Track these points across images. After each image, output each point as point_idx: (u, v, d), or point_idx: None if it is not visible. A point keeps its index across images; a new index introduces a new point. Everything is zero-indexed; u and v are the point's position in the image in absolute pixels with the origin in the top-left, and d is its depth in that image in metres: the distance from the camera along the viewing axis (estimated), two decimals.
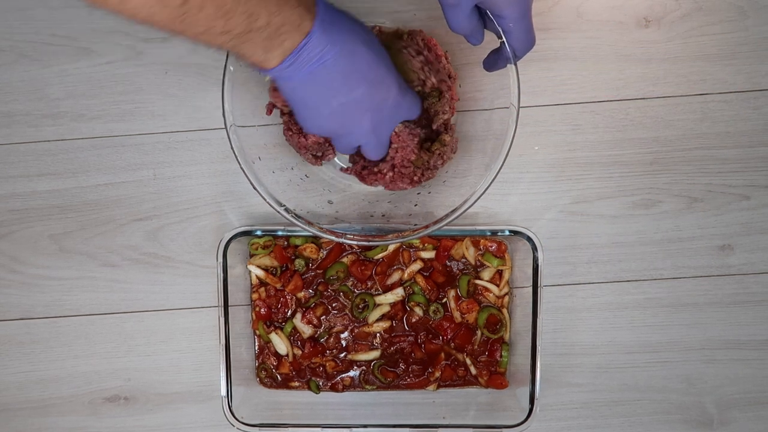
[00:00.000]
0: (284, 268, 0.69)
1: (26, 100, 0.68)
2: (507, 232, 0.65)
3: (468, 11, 0.50)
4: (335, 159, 0.65)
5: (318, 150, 0.63)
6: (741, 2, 0.67)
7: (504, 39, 0.53)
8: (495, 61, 0.57)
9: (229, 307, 0.65)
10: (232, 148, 0.58)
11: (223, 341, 0.65)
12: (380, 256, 0.68)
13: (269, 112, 0.62)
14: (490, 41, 0.56)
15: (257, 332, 0.69)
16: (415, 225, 0.60)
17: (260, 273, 0.68)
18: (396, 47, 0.60)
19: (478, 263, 0.69)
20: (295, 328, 0.69)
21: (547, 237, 0.68)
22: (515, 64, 0.55)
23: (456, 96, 0.62)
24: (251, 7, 0.42)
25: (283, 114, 0.63)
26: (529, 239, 0.65)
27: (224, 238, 0.65)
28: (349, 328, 0.69)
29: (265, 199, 0.58)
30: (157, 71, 0.68)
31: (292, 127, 0.62)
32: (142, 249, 0.70)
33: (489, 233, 0.66)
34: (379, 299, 0.68)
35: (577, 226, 0.69)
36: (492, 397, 0.69)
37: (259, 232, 0.66)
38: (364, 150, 0.57)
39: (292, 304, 0.69)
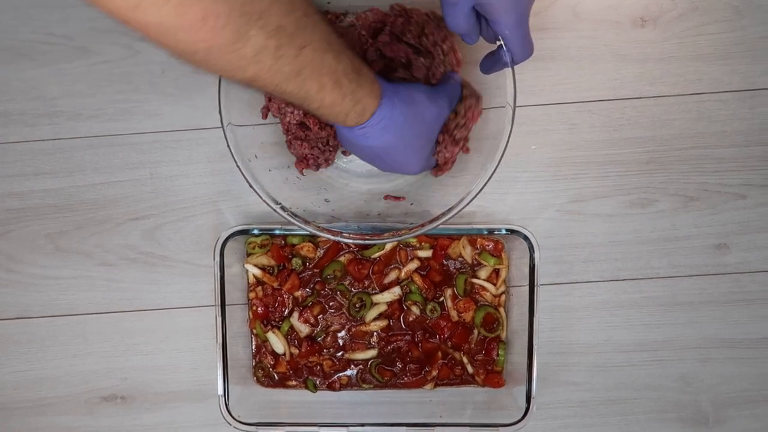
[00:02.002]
0: (281, 267, 0.69)
1: (23, 99, 0.68)
2: (504, 231, 0.66)
3: (466, 11, 0.50)
4: (336, 160, 0.66)
5: (319, 160, 0.63)
6: (737, 2, 0.67)
7: (501, 44, 0.54)
8: (492, 64, 0.57)
9: (226, 306, 0.65)
10: (228, 146, 0.58)
11: (220, 340, 0.65)
12: (377, 255, 0.68)
13: (264, 116, 0.63)
14: (486, 45, 0.56)
15: (254, 331, 0.69)
16: (411, 224, 0.60)
17: (257, 272, 0.68)
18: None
19: (475, 262, 0.69)
20: (292, 327, 0.69)
21: (544, 236, 0.69)
22: (512, 68, 0.55)
23: (458, 53, 0.61)
24: (305, 97, 0.46)
25: (286, 132, 0.63)
26: (526, 238, 0.65)
27: (221, 237, 0.65)
28: (346, 327, 0.69)
29: (261, 197, 0.58)
30: (154, 70, 0.68)
31: (294, 141, 0.63)
32: (139, 248, 0.69)
33: (486, 232, 0.66)
34: (376, 298, 0.68)
35: (573, 225, 0.69)
36: (489, 395, 0.69)
37: (256, 231, 0.66)
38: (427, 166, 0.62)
39: (289, 303, 0.69)
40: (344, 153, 0.66)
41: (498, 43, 0.54)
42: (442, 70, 0.60)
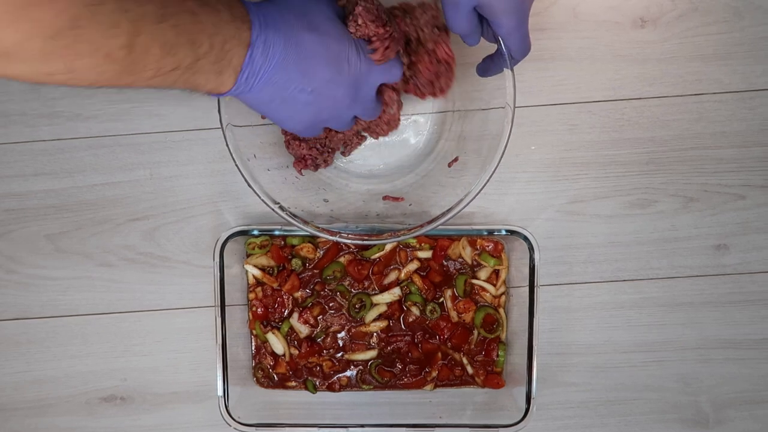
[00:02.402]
0: (281, 268, 0.69)
1: (22, 99, 0.68)
2: (504, 232, 0.66)
3: (467, 12, 0.50)
4: (335, 161, 0.66)
5: (317, 161, 0.63)
6: (736, 3, 0.67)
7: (501, 46, 0.54)
8: (488, 67, 0.57)
9: (226, 307, 0.65)
10: (227, 146, 0.58)
11: (219, 341, 0.65)
12: (377, 255, 0.68)
13: (263, 116, 0.62)
14: (485, 46, 0.56)
15: (254, 332, 0.69)
16: (411, 224, 0.60)
17: (257, 273, 0.68)
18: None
19: (475, 263, 0.69)
20: (292, 327, 0.69)
21: (544, 237, 0.68)
22: (512, 69, 0.55)
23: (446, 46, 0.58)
24: (192, 35, 0.42)
25: (285, 133, 0.63)
26: (526, 239, 0.65)
27: (221, 238, 0.65)
28: (346, 327, 0.69)
29: (260, 197, 0.58)
30: None
31: (293, 141, 0.63)
32: (138, 249, 0.69)
33: (486, 233, 0.66)
34: (376, 299, 0.68)
35: (573, 226, 0.69)
36: (489, 396, 0.69)
37: (255, 232, 0.66)
38: (360, 117, 0.57)
39: (288, 304, 0.69)
40: (343, 153, 0.66)
41: (497, 47, 0.54)
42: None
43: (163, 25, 0.39)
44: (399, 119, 0.61)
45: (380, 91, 0.57)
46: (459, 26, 0.52)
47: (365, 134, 0.64)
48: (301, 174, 0.64)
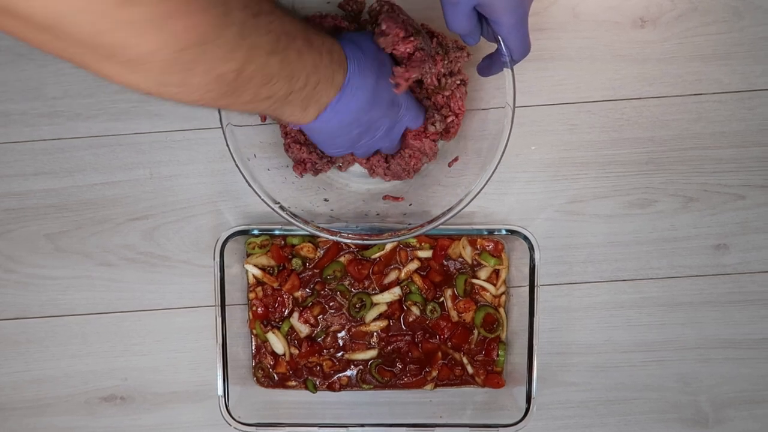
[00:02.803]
0: (281, 268, 0.69)
1: (23, 99, 0.68)
2: (504, 232, 0.66)
3: (467, 11, 0.50)
4: (333, 168, 0.66)
5: (317, 165, 0.63)
6: (736, 3, 0.67)
7: (500, 44, 0.54)
8: (489, 66, 0.57)
9: (226, 307, 0.65)
10: (227, 146, 0.58)
11: (219, 341, 0.65)
12: (377, 255, 0.68)
13: (263, 118, 0.63)
14: (486, 46, 0.56)
15: (254, 331, 0.69)
16: (410, 224, 0.60)
17: (257, 272, 0.68)
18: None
19: (475, 262, 0.69)
20: (292, 327, 0.69)
21: (544, 236, 0.69)
22: (512, 68, 0.55)
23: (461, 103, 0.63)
24: (293, 71, 0.45)
25: (285, 136, 0.63)
26: (526, 239, 0.65)
27: (221, 238, 0.65)
28: (346, 327, 0.69)
29: (260, 197, 0.58)
30: None
31: (293, 145, 0.63)
32: (138, 248, 0.69)
33: (486, 233, 0.66)
34: (376, 298, 0.68)
35: (573, 226, 0.69)
36: (489, 396, 0.69)
37: (256, 232, 0.66)
38: (381, 151, 0.62)
39: (289, 304, 0.69)
40: (340, 168, 0.66)
41: (497, 45, 0.54)
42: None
43: (273, 58, 0.42)
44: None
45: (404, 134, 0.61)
46: (459, 26, 0.52)
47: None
48: (301, 176, 0.64)
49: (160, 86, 0.38)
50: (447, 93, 0.62)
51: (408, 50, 0.56)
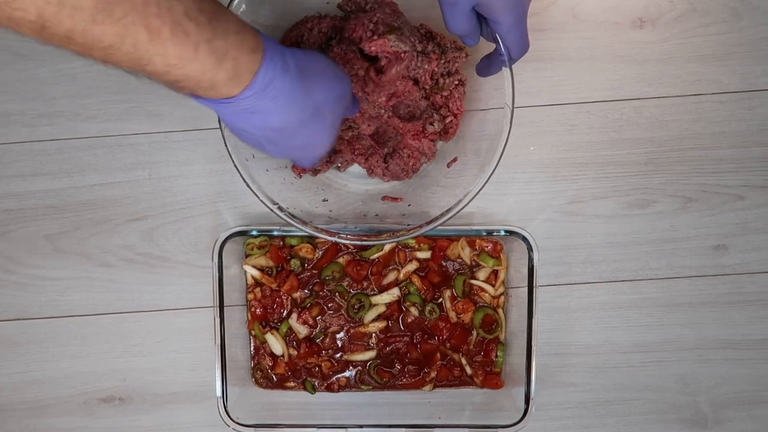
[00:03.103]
0: (280, 269, 0.69)
1: (22, 99, 0.68)
2: (502, 232, 0.66)
3: (466, 11, 0.50)
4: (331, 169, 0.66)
5: (316, 166, 0.64)
6: (735, 3, 0.67)
7: (499, 44, 0.54)
8: (487, 66, 0.57)
9: (225, 308, 0.65)
10: (226, 146, 0.58)
11: (218, 342, 0.65)
12: (376, 256, 0.68)
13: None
14: (485, 46, 0.56)
15: (253, 332, 0.69)
16: (409, 225, 0.60)
17: (256, 273, 0.68)
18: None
19: (474, 263, 0.69)
20: (290, 328, 0.69)
21: (543, 237, 0.68)
22: (510, 68, 0.55)
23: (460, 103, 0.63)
24: (134, 52, 0.35)
25: None
26: (525, 239, 0.65)
27: (220, 238, 0.65)
28: (345, 328, 0.69)
29: (258, 197, 0.58)
30: None
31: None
32: (137, 249, 0.69)
33: (484, 233, 0.66)
34: (375, 299, 0.68)
35: (572, 226, 0.69)
36: (487, 397, 0.69)
37: (254, 233, 0.66)
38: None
39: (287, 305, 0.69)
40: (339, 169, 0.66)
41: (495, 45, 0.54)
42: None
43: (96, 27, 0.33)
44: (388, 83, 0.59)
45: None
46: (458, 26, 0.52)
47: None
48: (300, 177, 0.64)
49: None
50: (445, 93, 0.62)
51: (376, 50, 0.55)
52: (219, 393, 0.65)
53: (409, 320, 0.69)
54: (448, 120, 0.63)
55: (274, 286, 0.68)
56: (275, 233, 0.66)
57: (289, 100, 0.40)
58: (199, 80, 0.37)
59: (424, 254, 0.68)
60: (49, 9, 0.31)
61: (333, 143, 0.50)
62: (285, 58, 0.40)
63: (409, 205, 0.64)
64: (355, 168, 0.67)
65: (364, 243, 0.59)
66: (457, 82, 0.62)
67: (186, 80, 0.37)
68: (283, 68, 0.40)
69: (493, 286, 0.68)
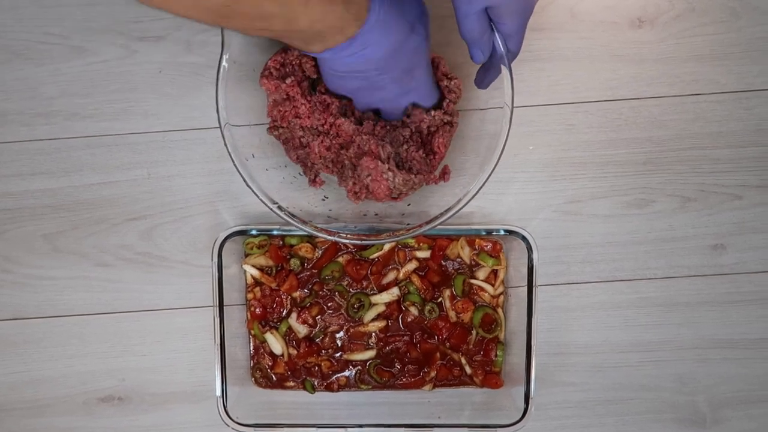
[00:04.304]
0: (279, 268, 0.69)
1: (19, 98, 0.68)
2: (502, 232, 0.66)
3: (479, 11, 0.51)
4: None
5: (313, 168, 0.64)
6: (733, 3, 0.68)
7: (498, 45, 0.54)
8: (484, 76, 0.58)
9: (224, 307, 0.65)
10: (226, 146, 0.57)
11: (217, 341, 0.65)
12: (376, 255, 0.68)
13: (270, 131, 0.63)
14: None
15: (252, 332, 0.69)
16: (409, 224, 0.60)
17: (255, 272, 0.68)
18: None
19: (473, 263, 0.69)
20: (290, 327, 0.68)
21: (542, 236, 0.69)
22: (510, 68, 0.55)
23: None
24: (293, 15, 0.43)
25: (284, 142, 0.63)
26: (524, 239, 0.65)
27: (219, 238, 0.65)
28: (345, 327, 0.69)
29: (258, 197, 0.58)
30: (151, 70, 0.68)
31: (290, 151, 0.63)
32: (136, 248, 0.69)
33: (484, 233, 0.67)
34: (375, 299, 0.68)
35: (571, 226, 0.69)
36: (487, 396, 0.69)
37: (254, 232, 0.66)
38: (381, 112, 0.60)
39: (287, 304, 0.69)
40: (339, 184, 0.66)
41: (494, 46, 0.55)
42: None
43: (268, 2, 0.41)
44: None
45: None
46: (469, 27, 0.52)
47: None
48: (300, 174, 0.64)
49: None
50: (432, 129, 0.62)
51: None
52: (218, 392, 0.65)
53: (409, 320, 0.69)
54: (429, 157, 0.62)
55: (273, 285, 0.68)
56: (275, 233, 0.66)
57: (391, 24, 0.48)
58: (332, 29, 0.44)
59: (424, 254, 0.68)
60: None
61: (431, 81, 0.57)
62: (370, 48, 0.48)
63: (409, 205, 0.64)
64: None
65: (363, 242, 0.59)
66: (446, 121, 0.61)
67: (320, 34, 0.44)
68: (381, 3, 0.47)
69: (493, 285, 0.68)
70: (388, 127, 0.61)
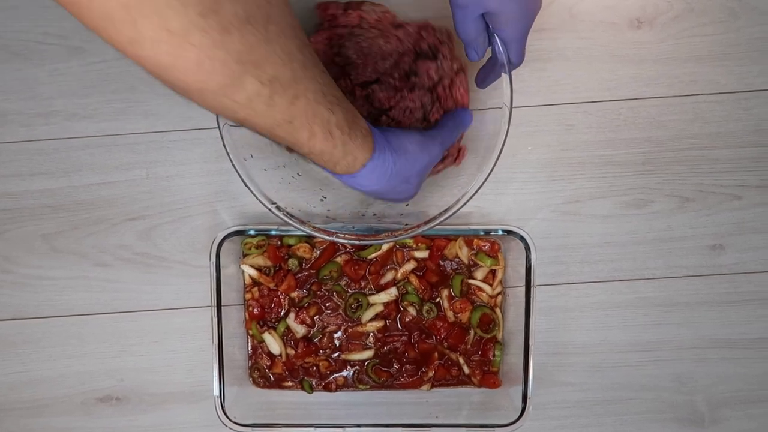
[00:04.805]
0: (277, 268, 0.69)
1: (18, 99, 0.68)
2: (500, 232, 0.66)
3: (475, 17, 0.51)
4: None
5: None
6: (732, 3, 0.67)
7: (499, 53, 0.54)
8: (484, 77, 0.58)
9: (222, 307, 0.65)
10: (224, 146, 0.57)
11: (215, 341, 0.65)
12: (374, 255, 0.68)
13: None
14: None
15: (250, 332, 0.69)
16: (407, 224, 0.60)
17: (253, 273, 0.68)
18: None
19: (472, 263, 0.69)
20: (288, 327, 0.69)
21: (540, 237, 0.69)
22: (510, 74, 0.55)
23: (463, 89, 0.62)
24: (295, 143, 0.46)
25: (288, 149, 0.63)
26: (522, 239, 0.65)
27: (217, 238, 0.65)
28: (343, 327, 0.69)
29: (256, 197, 0.58)
30: None
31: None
32: (134, 249, 0.69)
33: (482, 233, 0.67)
34: (373, 299, 0.68)
35: (569, 226, 0.69)
36: (485, 396, 0.69)
37: (252, 232, 0.66)
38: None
39: (285, 304, 0.69)
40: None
41: (494, 50, 0.55)
42: (444, 109, 0.61)
43: (278, 130, 0.44)
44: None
45: None
46: (465, 30, 0.52)
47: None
48: (299, 174, 0.64)
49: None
50: (447, 82, 0.61)
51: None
52: (216, 392, 0.65)
53: (407, 320, 0.69)
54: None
55: (271, 285, 0.68)
56: (273, 233, 0.66)
57: (384, 177, 0.52)
58: (327, 161, 0.49)
59: (422, 254, 0.68)
60: (256, 109, 0.41)
61: (416, 193, 0.59)
62: (385, 151, 0.52)
63: (407, 205, 0.64)
64: None
65: (362, 242, 0.59)
66: (456, 68, 0.61)
67: (319, 159, 0.49)
68: (382, 159, 0.51)
69: (491, 285, 0.68)
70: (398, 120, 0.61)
